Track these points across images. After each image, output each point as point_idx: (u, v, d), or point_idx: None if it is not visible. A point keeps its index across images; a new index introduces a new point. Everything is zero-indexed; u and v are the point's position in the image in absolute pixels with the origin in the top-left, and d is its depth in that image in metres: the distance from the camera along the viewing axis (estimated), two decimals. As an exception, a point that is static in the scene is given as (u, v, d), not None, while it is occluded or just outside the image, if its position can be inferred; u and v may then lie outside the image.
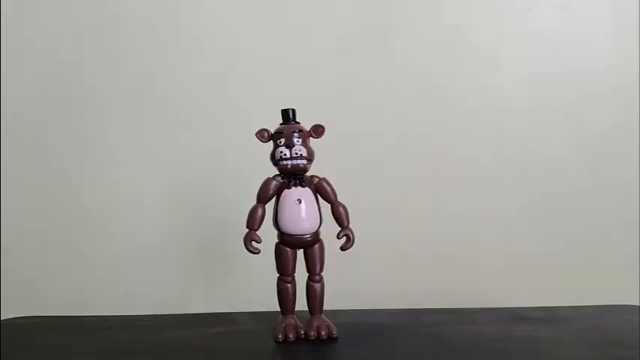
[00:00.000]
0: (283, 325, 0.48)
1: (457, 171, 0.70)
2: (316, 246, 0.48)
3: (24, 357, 0.47)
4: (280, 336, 0.47)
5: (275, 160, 0.47)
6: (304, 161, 0.47)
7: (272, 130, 0.48)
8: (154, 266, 0.69)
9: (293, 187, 0.47)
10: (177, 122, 0.70)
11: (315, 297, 0.49)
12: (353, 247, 0.49)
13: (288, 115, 0.48)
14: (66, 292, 0.67)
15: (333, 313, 0.50)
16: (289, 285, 0.49)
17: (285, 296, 0.49)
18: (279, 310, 0.49)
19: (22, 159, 0.69)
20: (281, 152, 0.47)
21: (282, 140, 0.47)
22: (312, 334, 0.48)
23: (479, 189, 0.70)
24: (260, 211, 0.48)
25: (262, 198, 0.48)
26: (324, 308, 0.49)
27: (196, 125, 0.70)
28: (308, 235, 0.48)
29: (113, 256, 0.69)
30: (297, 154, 0.47)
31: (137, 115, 0.70)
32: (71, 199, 0.70)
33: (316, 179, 0.49)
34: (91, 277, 0.69)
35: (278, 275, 0.49)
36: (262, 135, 0.48)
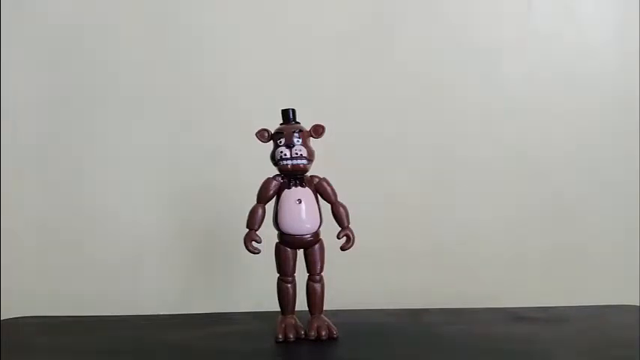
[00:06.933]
0: (283, 325, 0.48)
1: (457, 171, 0.70)
2: (316, 246, 0.48)
3: (24, 357, 0.47)
4: (280, 336, 0.47)
5: (275, 160, 0.47)
6: (304, 161, 0.47)
7: (272, 130, 0.48)
8: (153, 266, 0.69)
9: (293, 187, 0.47)
10: (177, 122, 0.70)
11: (315, 297, 0.49)
12: (353, 247, 0.49)
13: (288, 115, 0.48)
14: (66, 292, 0.67)
15: (333, 313, 0.50)
16: (289, 285, 0.49)
17: (285, 296, 0.49)
18: (279, 310, 0.49)
19: (21, 159, 0.69)
20: (281, 152, 0.47)
21: (282, 140, 0.47)
22: (312, 334, 0.48)
23: (479, 189, 0.70)
24: (260, 211, 0.48)
25: (262, 198, 0.48)
26: (324, 308, 0.49)
27: (196, 125, 0.70)
28: (308, 235, 0.48)
29: (113, 256, 0.69)
30: (297, 154, 0.47)
31: (137, 115, 0.70)
32: (71, 199, 0.69)
33: (316, 179, 0.49)
34: (91, 277, 0.69)
35: (278, 275, 0.49)
36: (262, 135, 0.48)
